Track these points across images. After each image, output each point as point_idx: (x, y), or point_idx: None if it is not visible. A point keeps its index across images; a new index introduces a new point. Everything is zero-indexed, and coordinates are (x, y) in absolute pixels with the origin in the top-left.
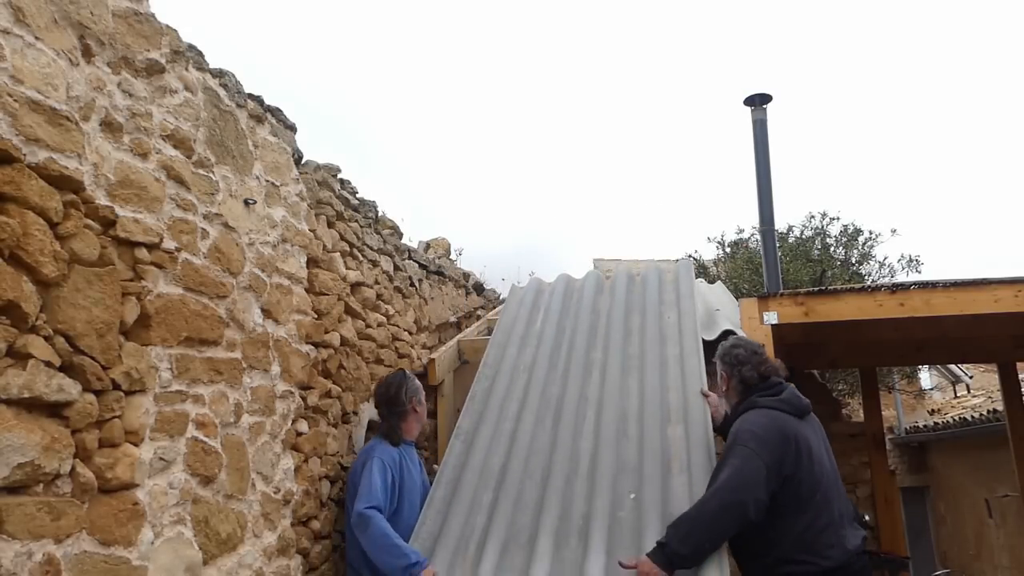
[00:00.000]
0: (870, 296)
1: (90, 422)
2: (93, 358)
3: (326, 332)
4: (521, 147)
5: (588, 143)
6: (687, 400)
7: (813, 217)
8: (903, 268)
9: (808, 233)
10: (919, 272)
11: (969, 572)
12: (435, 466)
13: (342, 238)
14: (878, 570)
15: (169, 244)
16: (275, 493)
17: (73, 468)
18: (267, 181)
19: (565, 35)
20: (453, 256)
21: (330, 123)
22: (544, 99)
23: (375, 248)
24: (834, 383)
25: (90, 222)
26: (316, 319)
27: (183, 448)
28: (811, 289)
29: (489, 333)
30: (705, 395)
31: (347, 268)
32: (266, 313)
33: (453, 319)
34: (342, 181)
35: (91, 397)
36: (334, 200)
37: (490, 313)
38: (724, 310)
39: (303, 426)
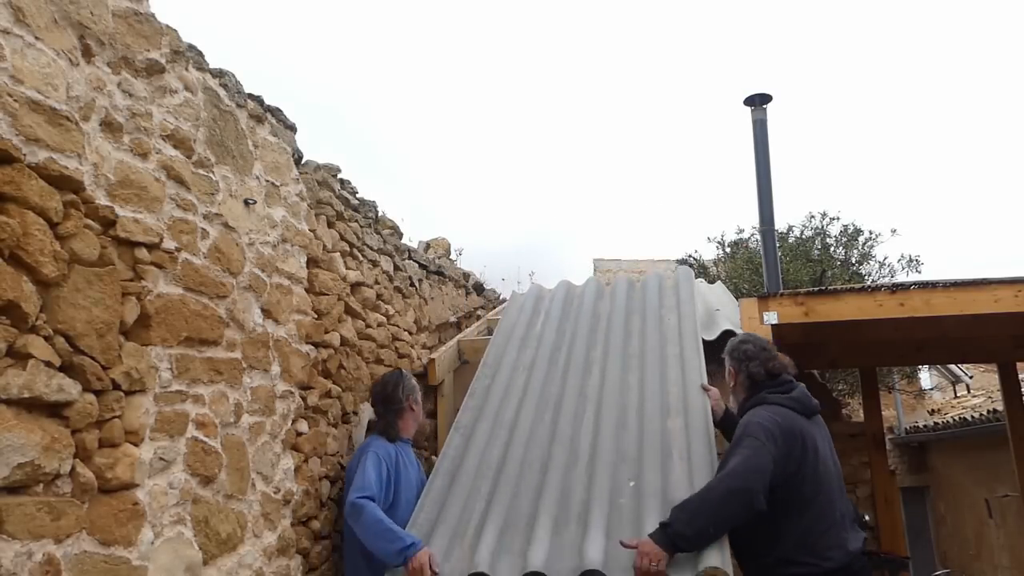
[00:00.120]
0: (870, 296)
1: (90, 422)
2: (93, 358)
3: (326, 332)
4: (521, 147)
5: (588, 143)
6: (687, 395)
7: (813, 217)
8: (903, 268)
9: (808, 233)
10: (919, 272)
11: (969, 572)
12: (433, 456)
13: (342, 238)
14: (878, 570)
15: (169, 244)
16: (275, 493)
17: (73, 468)
18: (267, 181)
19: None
20: (453, 256)
21: (330, 123)
22: (544, 99)
23: (375, 248)
24: (834, 383)
25: (90, 222)
26: (316, 319)
27: (183, 448)
28: (811, 289)
29: (489, 333)
30: (706, 389)
31: (347, 268)
32: (266, 313)
33: (453, 319)
34: (342, 181)
35: (91, 397)
36: (334, 200)
37: (490, 313)
38: (724, 310)
39: (303, 426)
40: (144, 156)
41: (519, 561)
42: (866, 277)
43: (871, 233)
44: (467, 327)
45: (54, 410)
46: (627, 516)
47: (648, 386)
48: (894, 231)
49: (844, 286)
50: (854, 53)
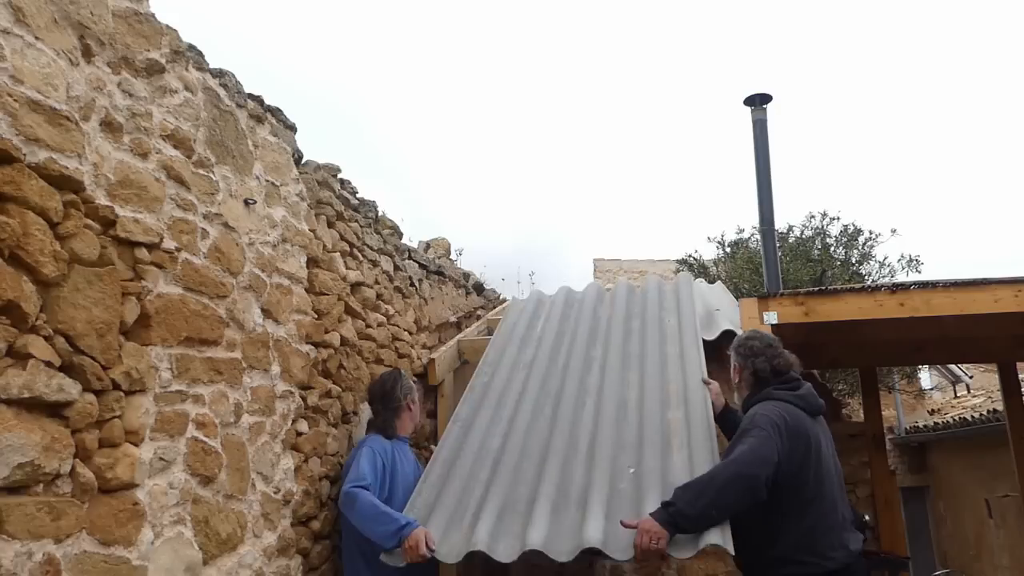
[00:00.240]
0: (870, 296)
1: (90, 422)
2: (93, 358)
3: (326, 332)
4: (521, 147)
5: (588, 143)
6: (687, 389)
7: (813, 217)
8: (903, 268)
9: (808, 233)
10: (919, 272)
11: (969, 572)
12: (432, 446)
13: (342, 238)
14: (878, 570)
15: (169, 244)
16: (275, 493)
17: (73, 468)
18: (267, 181)
19: (566, 35)
20: (453, 256)
21: (331, 123)
22: (544, 99)
23: (375, 248)
24: (834, 383)
25: (90, 222)
26: (316, 319)
27: (183, 448)
28: (811, 289)
29: (489, 333)
30: (707, 383)
31: (347, 268)
32: (266, 313)
33: (453, 319)
34: (342, 181)
35: (91, 397)
36: (334, 200)
37: (490, 313)
38: (724, 310)
39: (303, 426)
40: (144, 156)
41: (517, 542)
42: (866, 277)
43: (871, 233)
44: (467, 327)
45: (54, 410)
46: (627, 500)
47: (648, 382)
48: (894, 231)
49: (844, 286)
50: (854, 53)
